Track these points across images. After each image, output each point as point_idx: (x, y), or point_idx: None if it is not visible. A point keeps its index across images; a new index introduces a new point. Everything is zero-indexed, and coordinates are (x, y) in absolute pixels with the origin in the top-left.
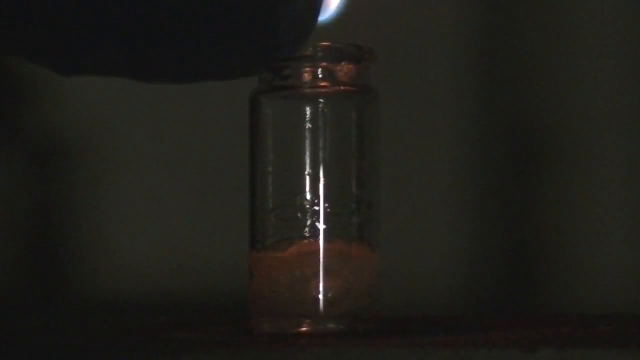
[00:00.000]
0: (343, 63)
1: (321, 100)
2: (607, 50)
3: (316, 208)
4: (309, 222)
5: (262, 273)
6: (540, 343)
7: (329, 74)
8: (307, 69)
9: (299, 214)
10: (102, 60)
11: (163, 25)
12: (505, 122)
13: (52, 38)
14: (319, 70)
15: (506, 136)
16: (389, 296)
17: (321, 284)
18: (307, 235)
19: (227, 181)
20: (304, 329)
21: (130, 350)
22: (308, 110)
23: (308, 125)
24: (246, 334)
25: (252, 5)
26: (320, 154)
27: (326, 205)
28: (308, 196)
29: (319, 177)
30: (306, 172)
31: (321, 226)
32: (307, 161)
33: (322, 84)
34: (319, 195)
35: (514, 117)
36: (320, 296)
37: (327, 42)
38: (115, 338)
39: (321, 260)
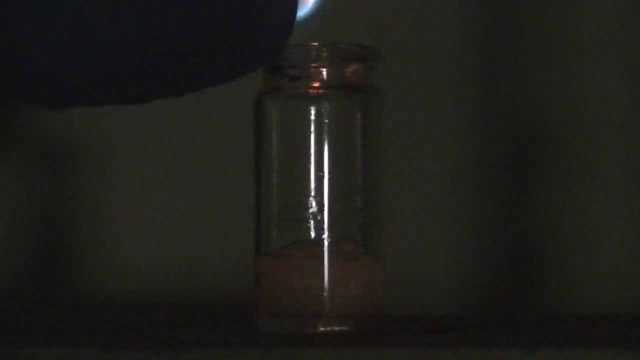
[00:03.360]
0: (348, 63)
1: (326, 100)
2: (607, 50)
3: (321, 209)
4: (313, 223)
5: (269, 277)
6: (540, 343)
7: (333, 74)
8: (312, 69)
9: (303, 215)
10: (93, 94)
11: (153, 52)
12: (506, 122)
13: (45, 85)
14: (324, 70)
15: (506, 136)
16: (390, 296)
17: (326, 286)
18: (312, 236)
19: (229, 181)
20: (309, 330)
21: (131, 350)
22: (313, 111)
23: (313, 125)
24: (247, 334)
25: (232, 19)
26: (325, 154)
27: (331, 205)
28: (313, 197)
29: (323, 178)
30: (311, 173)
31: (326, 227)
32: (312, 161)
33: (327, 84)
34: (324, 196)
35: (514, 117)
36: (326, 298)
37: (332, 42)
38: (115, 338)
39: (326, 262)
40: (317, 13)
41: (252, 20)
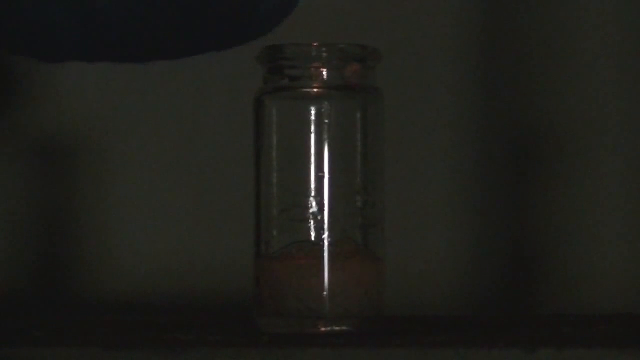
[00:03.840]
0: (348, 63)
1: (326, 100)
2: (607, 50)
3: (321, 209)
4: (314, 224)
5: (268, 277)
6: (540, 343)
7: (333, 74)
8: (312, 69)
9: (303, 215)
10: (91, 47)
11: (159, 12)
12: (506, 122)
13: (37, 32)
14: (324, 70)
15: (506, 136)
16: (390, 296)
17: (326, 286)
18: (312, 236)
19: (229, 181)
20: (309, 330)
21: (131, 350)
22: (313, 111)
23: (313, 125)
24: (247, 334)
25: None
26: (325, 154)
27: (331, 205)
28: (313, 197)
29: (323, 178)
30: (311, 173)
31: (326, 227)
32: (312, 161)
33: (327, 84)
34: (324, 196)
35: (514, 117)
36: (326, 298)
37: (332, 42)
38: (115, 338)
39: (326, 262)
40: None
41: None
